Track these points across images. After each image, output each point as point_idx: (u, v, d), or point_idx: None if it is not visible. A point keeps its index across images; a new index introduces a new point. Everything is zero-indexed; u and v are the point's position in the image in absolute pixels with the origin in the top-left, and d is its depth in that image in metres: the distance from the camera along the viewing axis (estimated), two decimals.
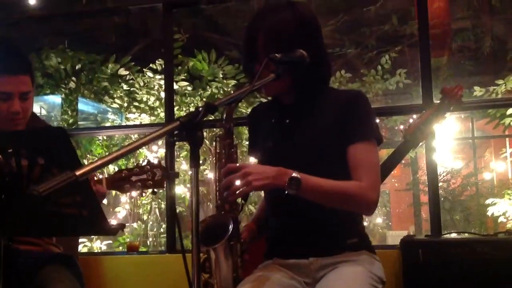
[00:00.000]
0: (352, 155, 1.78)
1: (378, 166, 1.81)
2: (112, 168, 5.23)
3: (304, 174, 1.66)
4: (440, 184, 9.52)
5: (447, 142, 8.77)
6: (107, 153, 5.39)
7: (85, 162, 5.18)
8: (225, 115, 1.70)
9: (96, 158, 5.26)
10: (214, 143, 1.80)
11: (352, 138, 1.79)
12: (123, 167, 5.44)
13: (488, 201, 6.45)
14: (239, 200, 1.69)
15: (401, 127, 8.38)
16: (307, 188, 1.65)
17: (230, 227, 1.65)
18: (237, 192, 1.61)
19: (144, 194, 2.18)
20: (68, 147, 1.62)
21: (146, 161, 2.14)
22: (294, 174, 1.64)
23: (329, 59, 1.93)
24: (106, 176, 2.18)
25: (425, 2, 3.15)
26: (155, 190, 2.14)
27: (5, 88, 2.15)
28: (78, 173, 1.11)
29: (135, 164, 5.46)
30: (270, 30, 1.77)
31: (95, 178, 2.15)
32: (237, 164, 1.67)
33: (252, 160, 2.11)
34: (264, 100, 2.28)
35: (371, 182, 1.75)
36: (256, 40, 1.78)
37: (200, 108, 1.39)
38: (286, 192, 1.65)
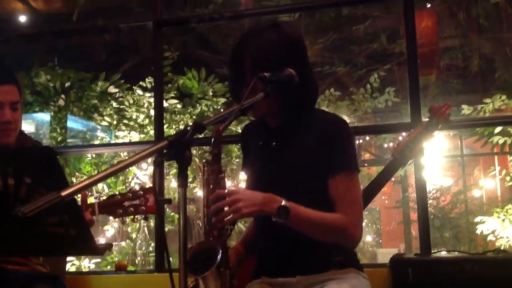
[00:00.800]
0: (335, 187, 1.79)
1: (361, 198, 1.84)
2: (100, 186, 5.21)
3: (293, 203, 1.67)
4: (429, 201, 9.61)
5: (436, 159, 8.82)
6: (95, 171, 5.38)
7: (74, 180, 5.15)
8: (213, 140, 1.70)
9: (85, 176, 5.27)
10: (203, 161, 1.80)
11: (334, 170, 1.79)
12: (111, 185, 5.43)
13: (477, 219, 6.47)
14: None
15: (391, 144, 8.44)
16: (295, 218, 1.67)
17: (219, 255, 1.63)
18: (226, 219, 1.61)
19: (135, 220, 2.17)
20: (55, 167, 1.61)
21: (139, 186, 2.15)
22: (283, 203, 1.64)
23: (316, 80, 1.93)
24: (99, 200, 2.17)
25: (413, 21, 3.17)
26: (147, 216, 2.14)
27: None
28: (63, 193, 1.11)
29: (124, 181, 5.45)
30: (256, 51, 1.77)
31: (88, 202, 2.15)
32: (226, 191, 1.67)
33: (243, 176, 2.12)
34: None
35: (356, 218, 1.77)
36: (243, 62, 1.79)
37: (189, 127, 1.39)
38: (274, 219, 1.66)
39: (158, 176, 3.13)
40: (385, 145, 8.60)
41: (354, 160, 1.83)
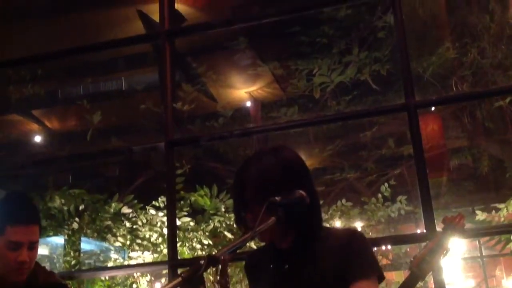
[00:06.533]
0: None
1: None
2: None
3: None
4: None
5: (456, 261, 8.62)
6: None
7: None
8: (219, 270, 1.68)
9: None
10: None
11: (353, 278, 1.75)
12: None
13: None
14: None
15: (408, 249, 8.29)
16: None
17: None
18: None
19: None
20: None
21: None
22: None
23: (319, 202, 1.90)
24: None
25: (418, 128, 3.14)
26: None
27: (17, 238, 2.17)
28: None
29: None
30: (256, 178, 1.79)
31: None
32: None
33: None
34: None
35: None
36: (244, 189, 1.81)
37: (202, 262, 1.39)
38: None
39: None
40: (402, 250, 8.46)
41: (374, 265, 1.79)
